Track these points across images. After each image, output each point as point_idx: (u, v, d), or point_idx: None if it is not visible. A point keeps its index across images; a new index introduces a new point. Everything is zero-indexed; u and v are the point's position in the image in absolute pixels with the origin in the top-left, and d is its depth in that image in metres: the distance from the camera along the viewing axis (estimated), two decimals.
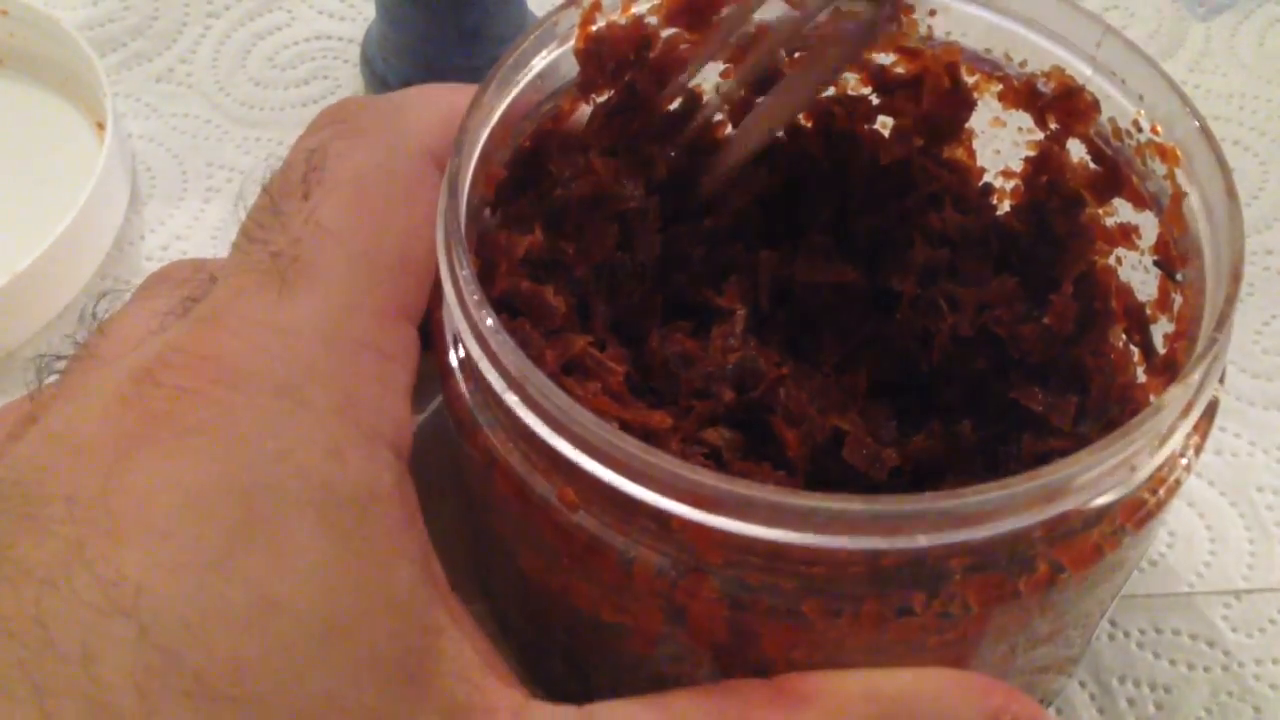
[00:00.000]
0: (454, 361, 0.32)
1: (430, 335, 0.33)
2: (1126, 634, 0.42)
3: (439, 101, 0.36)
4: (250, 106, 0.57)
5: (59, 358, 0.33)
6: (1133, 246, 0.36)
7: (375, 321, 0.31)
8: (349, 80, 0.58)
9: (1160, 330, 0.36)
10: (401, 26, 0.53)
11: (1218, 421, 0.31)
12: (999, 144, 0.40)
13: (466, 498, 0.36)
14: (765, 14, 0.39)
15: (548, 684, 0.38)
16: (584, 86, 0.37)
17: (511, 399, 0.29)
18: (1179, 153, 0.33)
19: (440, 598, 0.30)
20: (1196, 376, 0.28)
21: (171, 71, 0.58)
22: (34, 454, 0.29)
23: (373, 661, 0.28)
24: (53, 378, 0.33)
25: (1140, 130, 0.35)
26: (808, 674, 0.30)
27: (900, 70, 0.39)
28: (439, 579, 0.30)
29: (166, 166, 0.55)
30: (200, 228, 0.53)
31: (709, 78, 0.40)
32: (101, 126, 0.54)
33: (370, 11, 0.56)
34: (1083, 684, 0.41)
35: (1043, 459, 0.29)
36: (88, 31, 0.59)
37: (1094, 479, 0.27)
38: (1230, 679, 0.41)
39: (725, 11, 0.38)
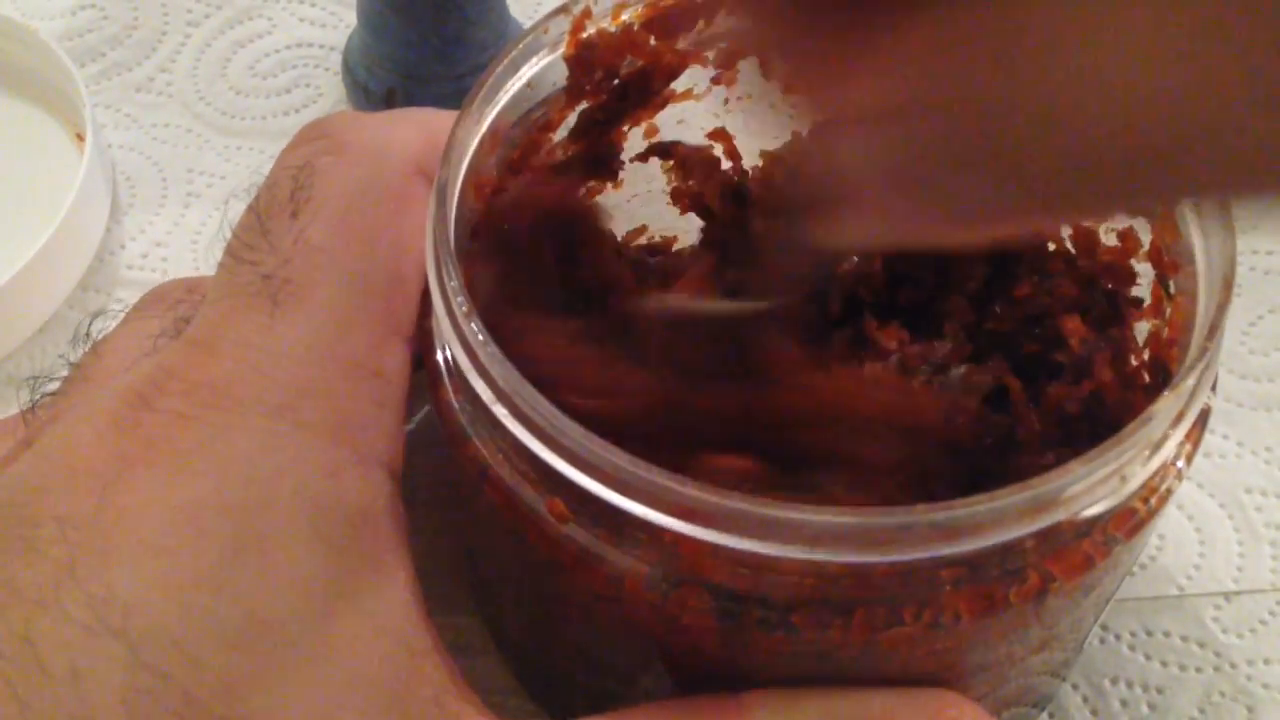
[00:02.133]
0: (443, 373, 0.32)
1: (420, 346, 0.33)
2: (1118, 636, 0.42)
3: (422, 119, 0.36)
4: (231, 115, 0.57)
5: (51, 378, 0.33)
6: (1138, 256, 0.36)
7: (368, 341, 0.31)
8: (330, 88, 0.58)
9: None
10: (383, 34, 0.53)
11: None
12: None
13: (457, 509, 0.36)
14: None
15: (544, 696, 0.38)
16: (572, 93, 0.37)
17: (500, 411, 0.29)
18: None
19: (424, 621, 0.30)
20: (1188, 385, 0.28)
21: (151, 81, 0.58)
22: (27, 475, 0.29)
23: (361, 683, 0.28)
24: (46, 398, 0.33)
25: None
26: (769, 691, 0.30)
27: None
28: (422, 602, 0.30)
29: (147, 176, 0.55)
30: (180, 233, 0.53)
31: (699, 84, 0.40)
32: (81, 137, 0.54)
33: (351, 19, 0.56)
34: (1075, 686, 0.41)
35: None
36: (66, 42, 0.58)
37: (1085, 489, 0.27)
38: (1222, 679, 0.41)
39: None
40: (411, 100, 0.53)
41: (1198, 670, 0.41)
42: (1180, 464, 0.30)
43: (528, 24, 0.36)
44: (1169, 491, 0.29)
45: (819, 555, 0.26)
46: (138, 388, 0.30)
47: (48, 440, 0.30)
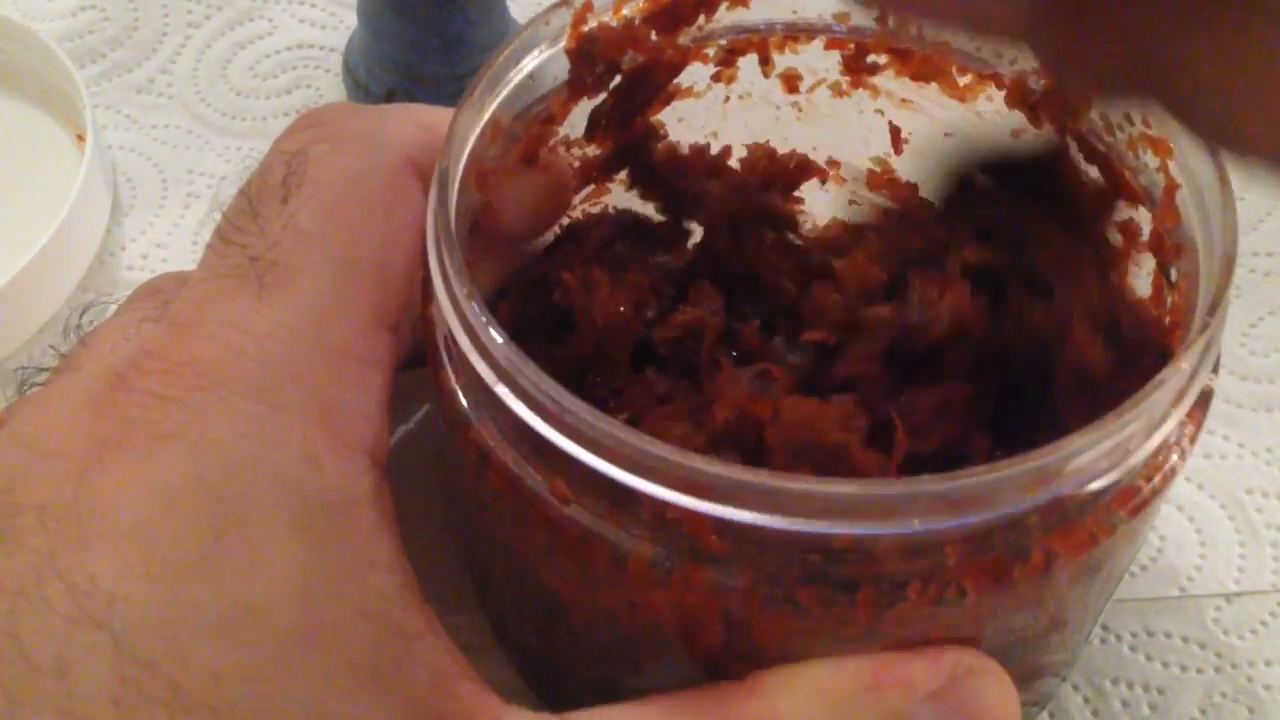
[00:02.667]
0: (444, 358, 0.32)
1: (420, 333, 0.33)
2: (1118, 637, 0.42)
3: (419, 114, 0.36)
4: (232, 116, 0.57)
5: (41, 370, 0.33)
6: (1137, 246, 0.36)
7: (353, 328, 0.31)
8: (331, 89, 0.58)
9: None
10: (384, 35, 0.53)
11: (1205, 424, 0.31)
12: None
13: (458, 501, 0.36)
14: (757, 15, 0.39)
15: (548, 691, 0.38)
16: (573, 86, 0.37)
17: (502, 390, 0.29)
18: (1170, 144, 0.33)
19: (416, 605, 0.30)
20: (1192, 358, 0.28)
21: (152, 82, 0.58)
22: (4, 460, 0.28)
23: (348, 668, 0.27)
24: (34, 389, 0.32)
25: (1131, 124, 0.35)
26: (777, 669, 0.29)
27: (891, 72, 0.39)
28: (414, 587, 0.30)
29: (148, 177, 0.55)
30: (180, 234, 0.53)
31: (700, 81, 0.40)
32: (82, 139, 0.54)
33: (352, 20, 0.56)
34: (1076, 687, 0.41)
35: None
36: (67, 43, 0.59)
37: (1088, 462, 0.27)
38: (1224, 680, 0.41)
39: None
40: (412, 101, 0.53)
41: (1199, 671, 0.41)
42: (1183, 444, 0.30)
43: None
44: (1172, 471, 0.29)
45: (823, 528, 0.26)
46: (117, 369, 0.29)
47: (22, 422, 0.29)
